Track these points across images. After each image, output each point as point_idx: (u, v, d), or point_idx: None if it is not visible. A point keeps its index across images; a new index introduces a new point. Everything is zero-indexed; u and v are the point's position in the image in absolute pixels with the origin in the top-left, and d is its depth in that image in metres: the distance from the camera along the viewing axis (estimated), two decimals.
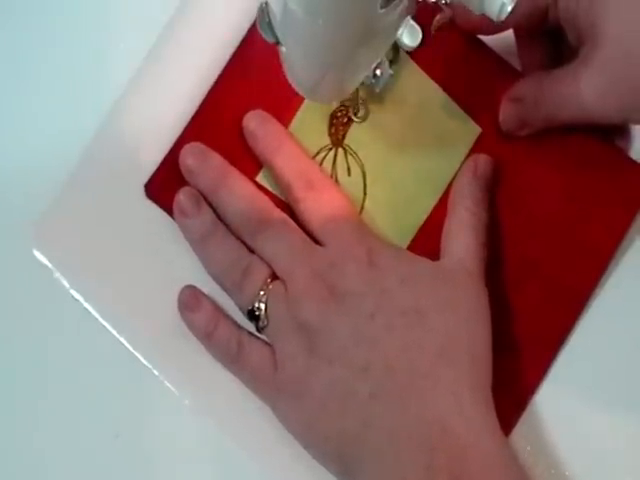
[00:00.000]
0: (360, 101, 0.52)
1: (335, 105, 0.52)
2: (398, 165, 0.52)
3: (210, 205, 0.51)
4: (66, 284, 0.52)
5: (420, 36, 0.45)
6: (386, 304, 0.47)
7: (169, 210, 0.52)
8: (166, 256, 0.52)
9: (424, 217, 0.52)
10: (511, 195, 0.51)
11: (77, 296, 0.52)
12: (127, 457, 0.51)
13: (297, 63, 0.45)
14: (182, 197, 0.51)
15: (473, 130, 0.52)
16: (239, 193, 0.51)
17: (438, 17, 0.44)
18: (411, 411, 0.45)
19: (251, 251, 0.50)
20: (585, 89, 0.47)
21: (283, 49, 0.44)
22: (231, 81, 0.52)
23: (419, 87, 0.52)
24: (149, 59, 0.53)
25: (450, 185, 0.52)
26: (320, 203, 0.50)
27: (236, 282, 0.50)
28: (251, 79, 0.52)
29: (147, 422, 0.51)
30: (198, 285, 0.52)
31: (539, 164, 0.52)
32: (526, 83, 0.51)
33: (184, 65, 0.53)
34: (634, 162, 0.52)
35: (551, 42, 0.52)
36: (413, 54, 0.52)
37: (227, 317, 0.51)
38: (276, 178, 0.51)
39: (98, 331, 0.51)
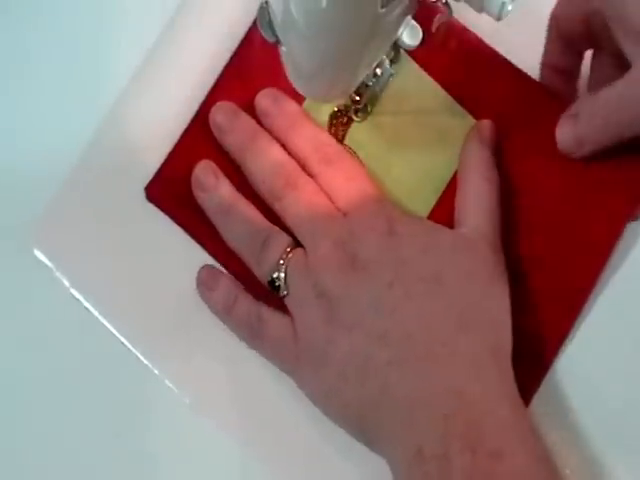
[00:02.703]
0: (361, 100, 0.52)
1: (335, 105, 0.52)
2: (399, 164, 0.52)
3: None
4: (66, 283, 0.52)
5: (420, 36, 0.45)
6: (405, 273, 0.47)
7: (170, 213, 0.52)
8: (166, 255, 0.52)
9: (425, 216, 0.52)
10: (511, 190, 0.51)
11: (77, 295, 0.52)
12: (127, 456, 0.51)
13: (298, 62, 0.45)
14: (199, 172, 0.51)
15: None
16: (268, 154, 0.51)
17: (438, 16, 0.44)
18: (428, 378, 0.45)
19: (271, 221, 0.51)
20: None
21: (284, 48, 0.44)
22: (230, 82, 0.52)
23: (419, 86, 0.52)
24: (149, 59, 0.53)
25: (450, 184, 0.52)
26: (338, 176, 0.50)
27: (256, 253, 0.50)
28: (250, 80, 0.52)
29: (147, 421, 0.51)
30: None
31: (539, 160, 0.51)
32: (581, 99, 0.50)
33: (185, 65, 0.53)
34: (635, 156, 0.51)
35: (605, 58, 0.50)
36: (413, 53, 0.52)
37: (246, 292, 0.51)
38: (292, 154, 0.51)
39: (98, 330, 0.51)
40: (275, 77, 0.50)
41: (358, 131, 0.52)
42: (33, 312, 0.52)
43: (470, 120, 0.52)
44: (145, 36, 0.53)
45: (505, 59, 0.52)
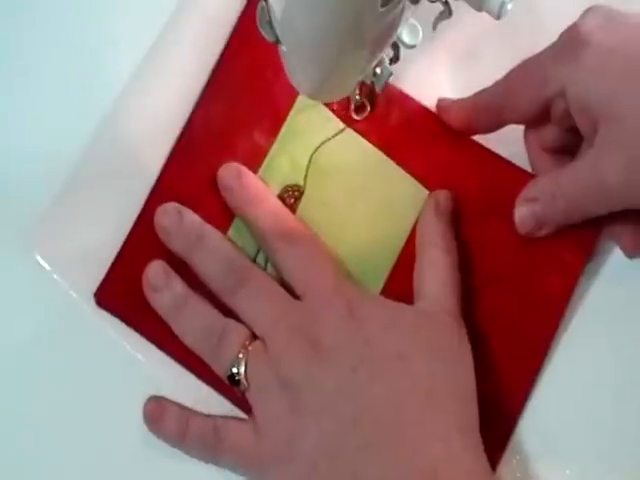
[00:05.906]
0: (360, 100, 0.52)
1: (285, 182, 0.52)
2: (348, 238, 0.52)
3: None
4: (66, 285, 0.52)
5: (420, 35, 0.45)
6: (369, 354, 0.47)
7: (121, 316, 0.51)
8: None
9: (380, 287, 0.52)
10: (465, 249, 0.51)
11: (77, 296, 0.52)
12: (127, 457, 0.51)
13: (297, 62, 0.45)
14: (150, 273, 0.50)
15: (421, 193, 0.52)
16: (216, 252, 0.50)
17: (437, 16, 0.44)
18: (401, 460, 0.45)
19: (227, 312, 0.50)
20: (609, 174, 0.46)
21: (283, 48, 0.44)
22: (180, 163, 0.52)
23: (363, 156, 0.52)
24: (149, 59, 0.53)
25: (402, 253, 0.52)
26: (297, 255, 0.50)
27: (213, 348, 0.49)
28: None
29: None
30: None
31: (489, 220, 0.52)
32: (539, 182, 0.50)
33: (184, 65, 0.53)
34: None
35: (559, 135, 0.51)
36: (355, 124, 0.52)
37: (196, 412, 0.50)
38: (252, 229, 0.51)
39: (97, 331, 0.51)
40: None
41: (306, 207, 0.52)
42: (33, 314, 0.52)
43: (417, 187, 0.52)
44: (145, 36, 0.53)
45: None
